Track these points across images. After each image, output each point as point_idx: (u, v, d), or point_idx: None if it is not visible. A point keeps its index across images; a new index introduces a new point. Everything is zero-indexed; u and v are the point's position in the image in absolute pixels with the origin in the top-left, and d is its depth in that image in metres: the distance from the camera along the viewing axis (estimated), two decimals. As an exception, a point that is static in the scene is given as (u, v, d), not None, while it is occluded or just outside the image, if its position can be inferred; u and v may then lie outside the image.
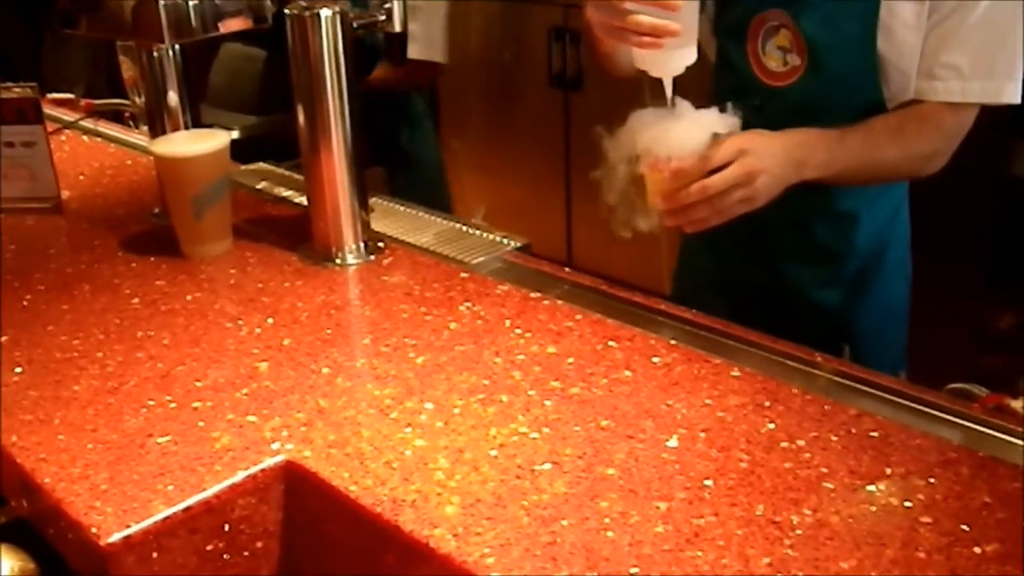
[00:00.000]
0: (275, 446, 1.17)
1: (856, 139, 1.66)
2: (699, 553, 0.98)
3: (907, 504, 1.05)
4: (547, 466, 1.12)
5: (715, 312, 1.56)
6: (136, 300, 1.54)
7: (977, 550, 0.98)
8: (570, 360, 1.34)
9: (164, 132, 1.81)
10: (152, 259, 1.69)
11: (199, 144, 1.68)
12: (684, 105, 1.58)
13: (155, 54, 1.79)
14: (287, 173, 2.13)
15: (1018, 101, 1.66)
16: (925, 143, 1.70)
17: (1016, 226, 3.28)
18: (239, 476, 1.12)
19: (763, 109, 1.75)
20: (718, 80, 1.88)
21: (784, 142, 1.59)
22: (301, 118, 1.64)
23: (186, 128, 1.82)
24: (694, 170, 1.53)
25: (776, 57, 1.77)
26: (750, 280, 1.95)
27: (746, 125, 1.58)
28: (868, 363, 1.85)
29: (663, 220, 1.58)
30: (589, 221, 4.25)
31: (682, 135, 1.55)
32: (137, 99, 2.58)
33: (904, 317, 2.03)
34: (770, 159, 1.55)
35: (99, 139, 2.45)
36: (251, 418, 1.23)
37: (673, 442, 1.16)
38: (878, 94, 1.70)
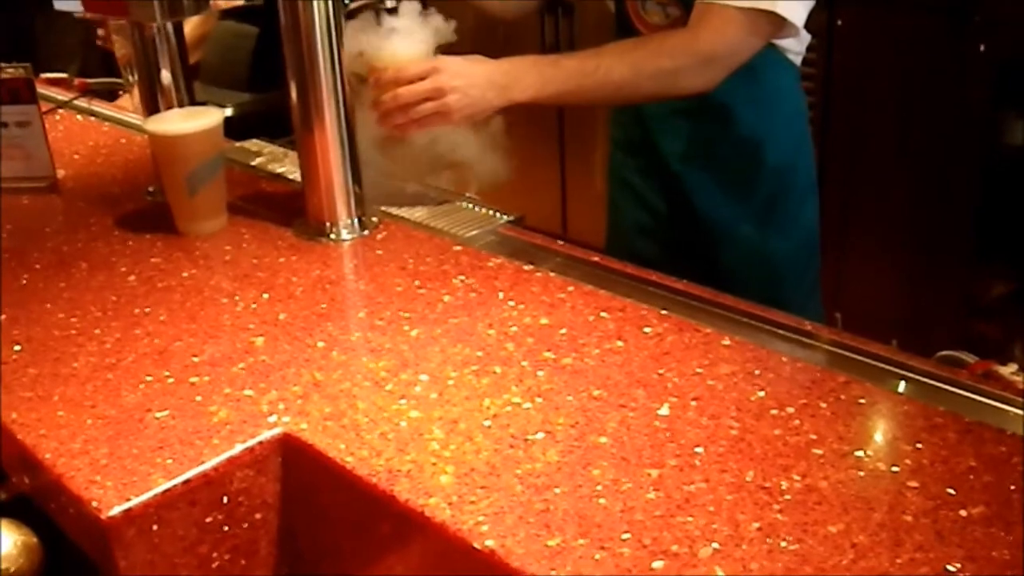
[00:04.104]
0: (272, 419, 1.18)
1: (574, 62, 1.78)
2: (690, 518, 1.00)
3: (894, 469, 1.06)
4: (540, 435, 1.13)
5: (644, 255, 1.62)
6: (132, 277, 1.56)
7: (963, 513, 1.00)
8: (563, 331, 1.35)
9: (158, 110, 1.82)
10: (148, 237, 1.70)
11: (193, 122, 1.68)
12: (410, 14, 1.79)
13: (148, 32, 1.79)
14: (281, 149, 2.14)
15: (789, 16, 1.74)
16: (668, 60, 1.76)
17: (1006, 196, 3.29)
18: (237, 449, 1.13)
19: None
20: (615, 39, 1.95)
21: (488, 68, 1.76)
22: (294, 94, 1.65)
23: (180, 106, 1.83)
24: (393, 80, 1.73)
25: (657, 12, 1.88)
26: (670, 217, 2.05)
27: None
28: (785, 288, 1.93)
29: (377, 122, 1.76)
30: (584, 194, 4.26)
31: (396, 46, 1.76)
32: (131, 77, 2.59)
33: (816, 244, 2.12)
34: (463, 80, 1.72)
35: (93, 118, 2.46)
36: (248, 392, 1.24)
37: (664, 410, 1.17)
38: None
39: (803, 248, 2.07)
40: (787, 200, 2.00)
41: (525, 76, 1.75)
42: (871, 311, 3.28)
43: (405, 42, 1.76)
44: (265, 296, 1.48)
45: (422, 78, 1.71)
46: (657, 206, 2.07)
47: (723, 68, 1.75)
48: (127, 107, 2.63)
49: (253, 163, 2.07)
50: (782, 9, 1.72)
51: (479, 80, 1.73)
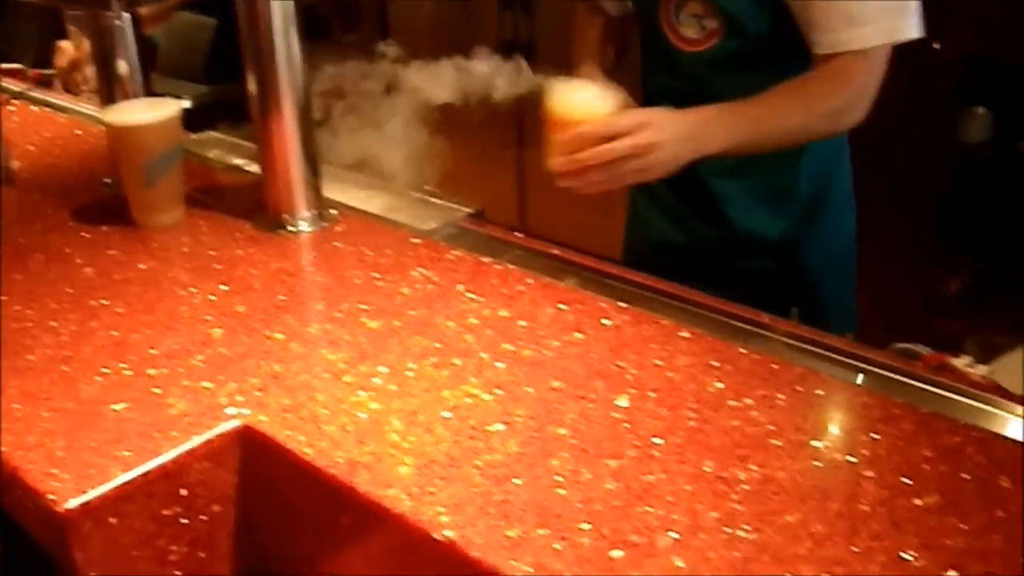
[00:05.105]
0: (230, 411, 1.18)
1: (755, 110, 1.70)
2: (649, 509, 1.00)
3: (851, 459, 1.07)
4: (499, 426, 1.13)
5: (669, 268, 1.59)
6: (89, 269, 1.54)
7: (918, 502, 1.01)
8: (522, 323, 1.36)
9: (115, 101, 1.80)
10: (104, 228, 1.69)
11: (150, 113, 1.67)
12: (596, 75, 1.69)
13: (106, 23, 1.78)
14: (239, 142, 2.13)
15: (918, 34, 1.69)
16: (833, 99, 1.72)
17: (965, 192, 3.33)
18: (195, 441, 1.13)
19: (686, 75, 1.83)
20: (644, 52, 1.95)
21: (685, 120, 1.65)
22: (252, 86, 1.64)
23: (137, 97, 1.81)
24: (594, 136, 1.60)
25: (692, 24, 1.81)
26: (705, 233, 1.99)
27: (672, 92, 1.63)
28: (822, 301, 1.91)
29: (559, 180, 1.64)
30: (543, 188, 4.26)
31: (588, 101, 1.64)
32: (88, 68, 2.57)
33: (852, 254, 2.09)
34: (669, 135, 1.61)
35: (49, 109, 2.43)
36: (206, 384, 1.23)
37: (623, 402, 1.18)
38: (802, 47, 1.72)
39: (842, 257, 2.05)
40: (827, 208, 1.98)
41: (714, 129, 1.67)
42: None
43: (601, 91, 1.67)
44: (223, 288, 1.47)
45: (629, 132, 1.60)
46: (691, 222, 2.01)
47: (874, 94, 1.74)
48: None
49: (211, 155, 2.06)
50: (917, 31, 1.71)
51: (679, 134, 1.64)
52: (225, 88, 3.23)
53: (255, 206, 1.72)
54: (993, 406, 1.20)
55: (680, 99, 1.67)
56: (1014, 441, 1.12)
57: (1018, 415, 1.18)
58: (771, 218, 1.93)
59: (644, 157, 1.60)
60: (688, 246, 2.01)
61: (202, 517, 1.15)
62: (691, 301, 1.42)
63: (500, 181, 4.42)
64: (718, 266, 1.96)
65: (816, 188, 1.94)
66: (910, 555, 0.94)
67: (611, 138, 1.59)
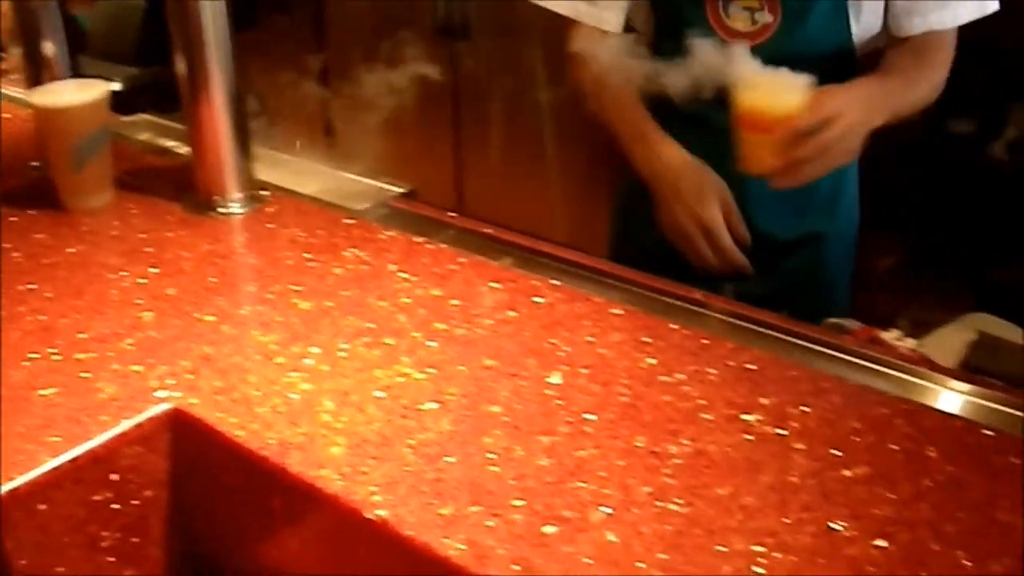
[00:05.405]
0: (161, 394, 1.17)
1: (893, 83, 1.75)
2: (581, 484, 1.01)
3: (781, 432, 1.09)
4: (432, 405, 1.13)
5: (689, 276, 1.55)
6: (17, 254, 1.52)
7: (847, 473, 1.02)
8: (454, 302, 1.36)
9: (42, 83, 1.78)
10: (32, 212, 1.66)
11: (78, 95, 1.65)
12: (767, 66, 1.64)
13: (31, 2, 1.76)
14: (170, 124, 2.10)
15: (997, 7, 1.78)
16: (940, 71, 1.79)
17: (892, 169, 3.36)
18: (125, 425, 1.12)
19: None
20: (663, 47, 1.82)
21: (861, 94, 1.67)
22: (181, 67, 1.62)
23: (64, 78, 1.79)
24: (802, 129, 1.59)
25: (743, 18, 1.78)
26: None
27: (702, 89, 1.63)
28: (832, 290, 1.98)
29: (777, 182, 1.64)
30: (480, 170, 4.26)
31: (785, 95, 1.61)
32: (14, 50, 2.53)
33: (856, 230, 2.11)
34: (859, 112, 1.63)
35: (-26, 92, 2.40)
36: (136, 368, 1.22)
37: (556, 379, 1.18)
38: (848, 39, 1.74)
39: (851, 249, 2.08)
40: (843, 201, 2.00)
41: (878, 100, 1.69)
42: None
43: (796, 82, 1.63)
44: (153, 271, 1.46)
45: (834, 118, 1.62)
46: None
47: None
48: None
49: (142, 138, 2.03)
50: (997, 4, 1.77)
51: (865, 108, 1.65)
52: (156, 70, 3.20)
53: (186, 188, 1.70)
54: (921, 378, 1.21)
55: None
56: (941, 412, 1.14)
57: (945, 387, 1.20)
58: (793, 217, 1.92)
59: (848, 139, 1.62)
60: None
61: (134, 502, 1.14)
62: (623, 278, 1.43)
63: (438, 165, 4.41)
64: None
65: (834, 183, 1.95)
66: (839, 525, 0.95)
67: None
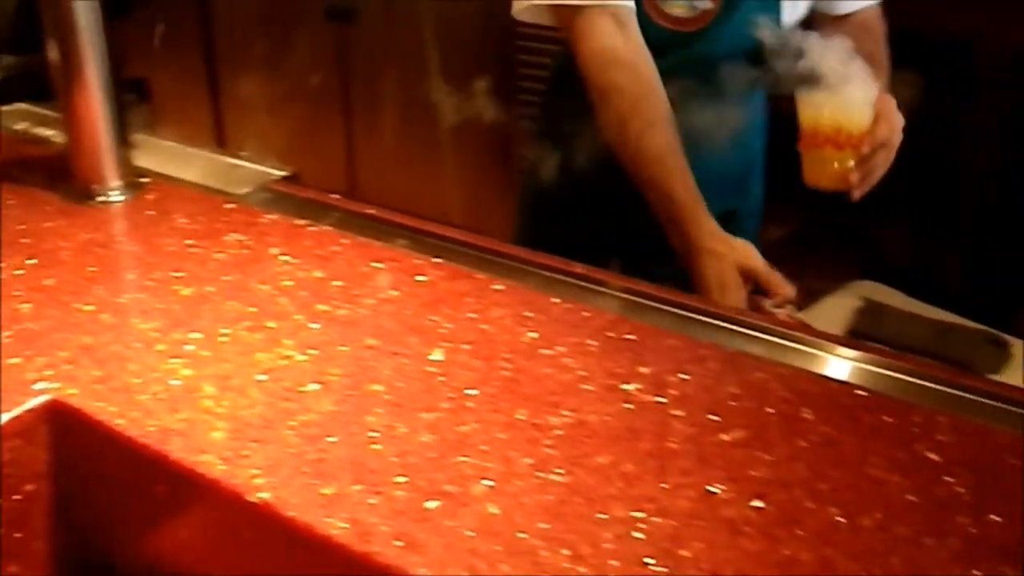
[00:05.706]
0: (39, 386, 1.15)
1: (883, 70, 1.78)
2: (464, 458, 1.01)
3: (660, 400, 1.10)
4: (314, 387, 1.13)
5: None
6: None
7: (725, 437, 1.04)
8: (336, 283, 1.35)
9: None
10: (-96, 206, 1.63)
11: (-53, 85, 1.62)
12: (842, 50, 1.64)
13: None
14: (48, 113, 2.07)
15: None
16: (885, 41, 1.84)
17: (782, 141, 3.41)
18: (3, 419, 1.10)
19: (670, 56, 1.77)
20: None
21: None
22: (54, 54, 1.60)
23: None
24: (877, 139, 1.62)
25: (681, 5, 1.74)
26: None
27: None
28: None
29: (856, 193, 1.67)
30: (370, 156, 4.25)
31: (856, 109, 1.62)
32: None
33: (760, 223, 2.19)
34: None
35: None
36: (13, 360, 1.20)
37: (438, 356, 1.19)
38: (778, 23, 1.75)
39: (758, 214, 2.12)
40: (755, 169, 2.03)
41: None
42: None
43: (865, 92, 1.64)
44: (31, 262, 1.43)
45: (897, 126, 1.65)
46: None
47: None
48: None
49: (18, 127, 2.00)
50: None
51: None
52: (31, 58, 3.14)
53: (64, 178, 1.68)
54: (797, 343, 1.24)
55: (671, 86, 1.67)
56: (816, 375, 1.16)
57: (821, 351, 1.22)
58: (711, 196, 1.87)
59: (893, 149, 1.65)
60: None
61: (15, 497, 1.12)
62: (505, 254, 1.44)
63: (328, 151, 4.39)
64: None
65: (748, 160, 2.06)
66: (717, 488, 0.97)
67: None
